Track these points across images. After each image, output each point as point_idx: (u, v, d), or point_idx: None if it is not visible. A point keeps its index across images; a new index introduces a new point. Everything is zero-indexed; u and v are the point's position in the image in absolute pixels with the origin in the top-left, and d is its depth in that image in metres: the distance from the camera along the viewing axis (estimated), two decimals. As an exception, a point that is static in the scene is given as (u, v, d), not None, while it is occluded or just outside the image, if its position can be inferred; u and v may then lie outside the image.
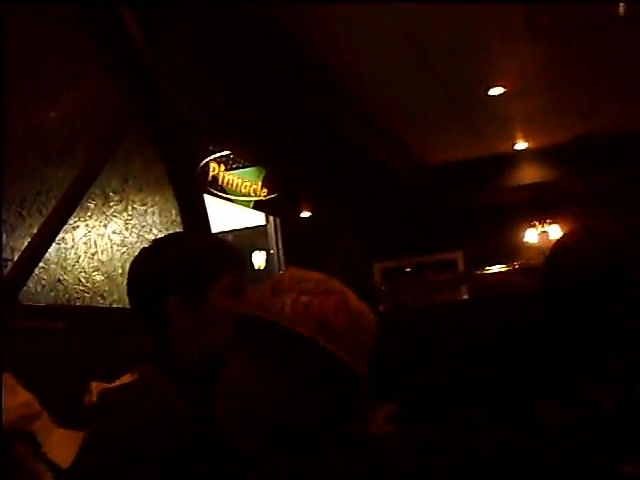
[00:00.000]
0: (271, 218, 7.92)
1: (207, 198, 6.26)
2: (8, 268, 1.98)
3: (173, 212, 2.78)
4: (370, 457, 1.20)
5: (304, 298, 1.18)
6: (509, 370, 2.15)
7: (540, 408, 2.04)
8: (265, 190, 7.66)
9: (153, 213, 2.68)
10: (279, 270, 7.41)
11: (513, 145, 9.86)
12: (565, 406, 2.05)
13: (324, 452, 1.24)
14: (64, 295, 2.19)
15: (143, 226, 2.62)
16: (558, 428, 1.99)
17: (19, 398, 1.10)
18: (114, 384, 1.37)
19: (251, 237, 7.93)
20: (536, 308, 2.29)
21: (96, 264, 2.35)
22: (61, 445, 1.08)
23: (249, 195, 7.44)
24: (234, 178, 7.18)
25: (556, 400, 2.06)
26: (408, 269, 11.37)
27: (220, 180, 6.92)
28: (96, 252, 2.36)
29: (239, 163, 7.28)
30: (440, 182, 10.29)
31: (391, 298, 8.16)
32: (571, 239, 2.33)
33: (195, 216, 2.73)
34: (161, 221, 2.71)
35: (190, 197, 2.83)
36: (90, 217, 2.36)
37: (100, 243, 2.38)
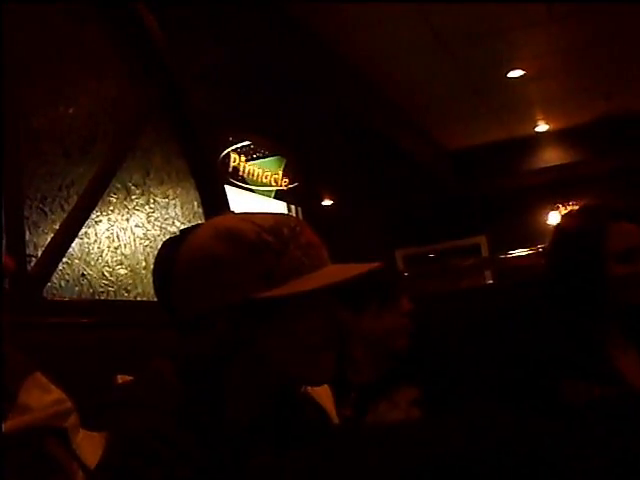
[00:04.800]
0: (293, 207, 7.92)
1: (228, 189, 6.29)
2: (32, 264, 1.99)
3: (195, 204, 2.79)
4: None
5: None
6: (532, 352, 2.15)
7: (567, 388, 2.03)
8: (286, 180, 7.67)
9: (175, 205, 2.69)
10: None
11: (534, 128, 9.80)
12: (591, 383, 2.04)
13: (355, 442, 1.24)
14: (88, 290, 2.20)
15: (165, 218, 2.62)
16: (585, 406, 1.99)
17: (52, 395, 1.10)
18: (128, 380, 1.37)
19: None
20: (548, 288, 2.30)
21: (119, 258, 2.36)
22: (87, 444, 1.08)
23: (270, 185, 7.45)
24: (255, 168, 7.20)
25: (582, 378, 2.05)
26: (431, 255, 11.35)
27: (241, 171, 6.94)
28: (119, 246, 2.37)
29: (259, 153, 7.29)
30: (462, 167, 10.25)
31: (414, 285, 8.14)
32: (568, 222, 2.33)
33: (217, 207, 2.73)
34: (183, 213, 2.72)
35: (211, 188, 2.83)
36: (112, 211, 2.36)
37: (123, 237, 2.39)
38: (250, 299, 1.24)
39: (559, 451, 1.19)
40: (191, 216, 2.74)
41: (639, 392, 2.07)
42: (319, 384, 1.48)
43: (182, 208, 2.70)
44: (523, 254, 9.32)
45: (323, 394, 1.89)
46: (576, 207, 2.45)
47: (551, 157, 10.19)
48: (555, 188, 10.60)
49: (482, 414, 1.25)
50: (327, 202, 9.42)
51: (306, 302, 1.28)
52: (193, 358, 1.29)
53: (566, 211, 2.53)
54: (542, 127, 9.85)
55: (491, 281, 9.32)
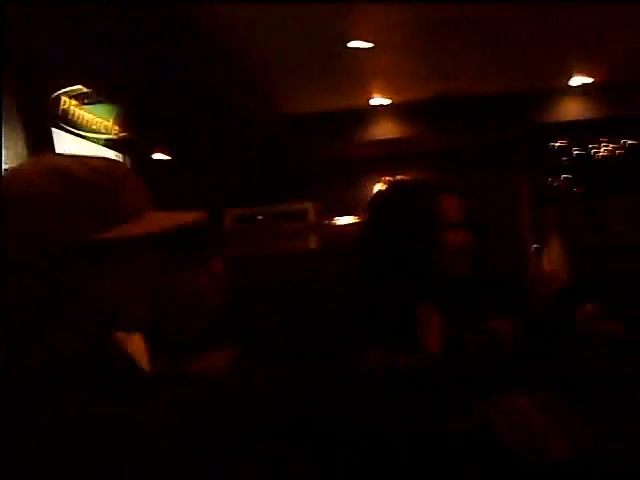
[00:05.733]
0: (123, 158, 7.75)
1: (57, 133, 6.08)
2: None
3: (19, 144, 2.69)
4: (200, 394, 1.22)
5: None
6: (340, 320, 2.21)
7: (369, 357, 2.11)
8: (117, 128, 7.50)
9: (-1, 145, 2.59)
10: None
11: (370, 100, 9.97)
12: (396, 354, 2.12)
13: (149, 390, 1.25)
14: None
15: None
16: (388, 376, 2.07)
17: None
18: None
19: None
20: (362, 259, 2.37)
21: None
22: None
23: (100, 132, 7.26)
24: (86, 114, 6.98)
25: (387, 349, 2.13)
26: (260, 217, 11.40)
27: (71, 115, 6.71)
28: None
29: (92, 98, 7.08)
30: (297, 132, 10.32)
31: (241, 245, 8.18)
32: (384, 193, 2.42)
33: (43, 149, 2.66)
34: (8, 154, 2.62)
35: (38, 130, 2.75)
36: None
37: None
38: (81, 240, 1.22)
39: (347, 410, 1.24)
40: (14, 157, 2.65)
41: (439, 361, 2.18)
42: (134, 330, 1.47)
43: (7, 149, 2.61)
44: (349, 221, 9.54)
45: (137, 346, 1.89)
46: (392, 182, 2.54)
47: (384, 130, 10.42)
48: (385, 161, 10.85)
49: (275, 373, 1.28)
50: (159, 156, 9.28)
51: (134, 246, 1.27)
52: (12, 300, 1.25)
53: (387, 184, 2.60)
54: (378, 100, 10.03)
55: (315, 246, 9.48)
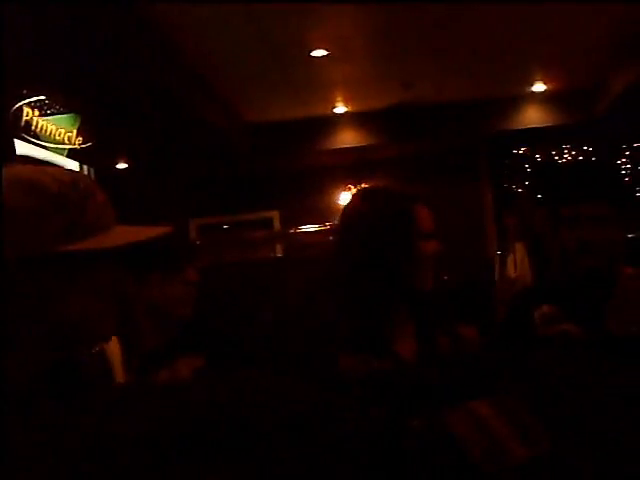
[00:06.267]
0: (85, 168, 7.72)
1: (19, 144, 6.03)
2: None
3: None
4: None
5: None
6: (313, 326, 2.22)
7: (343, 361, 2.12)
8: (80, 138, 7.46)
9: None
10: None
11: (333, 108, 9.99)
12: (370, 359, 2.13)
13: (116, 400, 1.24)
14: None
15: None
16: (360, 380, 2.08)
17: None
18: None
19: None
20: (337, 266, 2.37)
21: None
22: None
23: (63, 142, 7.22)
24: (48, 124, 6.94)
25: (362, 354, 2.14)
26: (225, 226, 11.39)
27: (34, 126, 6.67)
28: None
29: (54, 109, 7.04)
30: (261, 141, 10.30)
31: (207, 254, 8.17)
32: (360, 201, 2.43)
33: (7, 161, 2.63)
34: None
35: (1, 141, 2.73)
36: None
37: None
38: (50, 253, 1.22)
39: (316, 414, 1.25)
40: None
41: (412, 367, 2.19)
42: (99, 342, 1.47)
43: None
44: (313, 230, 9.58)
45: (115, 356, 1.89)
46: (361, 189, 2.54)
47: (348, 139, 10.44)
48: (349, 169, 10.88)
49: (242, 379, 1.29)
50: (122, 165, 9.24)
51: (100, 260, 1.28)
52: None
53: (356, 192, 2.59)
54: (341, 109, 10.05)
55: (281, 254, 9.50)
